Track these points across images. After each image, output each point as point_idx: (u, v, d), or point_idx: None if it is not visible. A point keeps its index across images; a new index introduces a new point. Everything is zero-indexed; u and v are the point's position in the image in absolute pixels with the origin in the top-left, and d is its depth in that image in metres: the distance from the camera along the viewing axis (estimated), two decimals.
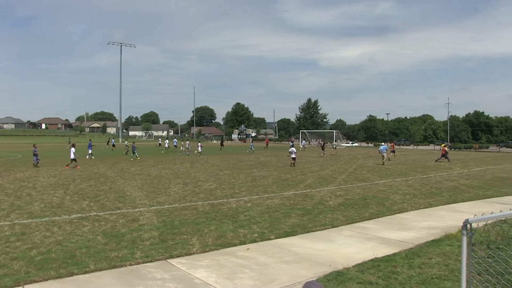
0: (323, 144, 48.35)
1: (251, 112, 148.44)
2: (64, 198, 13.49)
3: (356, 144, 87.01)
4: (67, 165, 25.13)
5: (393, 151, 41.05)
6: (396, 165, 28.68)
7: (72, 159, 24.99)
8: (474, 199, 14.10)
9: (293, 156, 27.69)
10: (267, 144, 61.24)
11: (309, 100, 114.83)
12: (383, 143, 36.54)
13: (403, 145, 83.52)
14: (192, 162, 30.51)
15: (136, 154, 33.90)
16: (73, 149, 25.23)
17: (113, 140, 54.06)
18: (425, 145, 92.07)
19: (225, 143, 43.43)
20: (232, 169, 24.53)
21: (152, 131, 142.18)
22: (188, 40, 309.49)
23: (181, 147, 44.92)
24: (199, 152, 39.10)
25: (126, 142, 44.18)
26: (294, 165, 26.79)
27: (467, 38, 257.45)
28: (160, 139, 62.35)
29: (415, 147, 74.68)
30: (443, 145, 37.70)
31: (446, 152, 33.58)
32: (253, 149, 47.38)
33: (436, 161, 33.23)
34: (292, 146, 30.28)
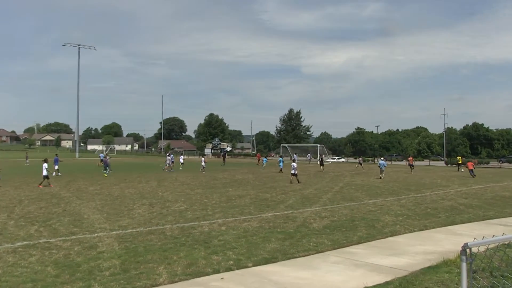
0: (321, 158, 48.97)
1: (226, 124, 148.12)
2: (7, 223, 13.10)
3: (343, 159, 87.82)
4: (40, 184, 24.83)
5: (412, 165, 44.06)
6: (387, 183, 29.00)
7: (44, 176, 24.90)
8: (474, 221, 14.31)
9: (293, 171, 28.28)
10: (259, 160, 60.55)
11: (291, 110, 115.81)
12: (382, 158, 38.94)
13: (394, 160, 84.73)
14: (160, 180, 30.21)
15: (108, 170, 33.97)
16: (45, 165, 25.14)
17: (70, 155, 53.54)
18: (419, 160, 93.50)
19: (204, 158, 43.05)
20: (205, 188, 24.37)
21: (114, 145, 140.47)
22: (156, 42, 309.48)
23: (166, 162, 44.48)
24: (203, 167, 40.21)
25: (104, 155, 43.95)
26: (298, 181, 27.89)
27: (464, 43, 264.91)
28: (101, 154, 60.00)
29: (407, 162, 75.70)
30: (467, 161, 44.00)
31: (474, 168, 37.32)
32: (264, 164, 49.87)
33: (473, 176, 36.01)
34: (294, 161, 30.82)
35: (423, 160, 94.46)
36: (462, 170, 46.96)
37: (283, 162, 42.33)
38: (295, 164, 29.16)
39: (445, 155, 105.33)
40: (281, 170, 40.12)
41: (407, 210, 16.27)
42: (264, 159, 54.15)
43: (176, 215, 14.82)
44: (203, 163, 40.89)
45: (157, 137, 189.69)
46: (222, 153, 63.70)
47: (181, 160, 41.37)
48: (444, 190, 24.39)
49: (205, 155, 77.80)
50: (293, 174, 28.40)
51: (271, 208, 16.50)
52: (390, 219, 14.24)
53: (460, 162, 49.76)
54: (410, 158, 48.81)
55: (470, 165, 38.65)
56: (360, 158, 57.47)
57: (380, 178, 32.99)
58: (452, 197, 20.87)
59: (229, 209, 16.18)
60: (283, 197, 20.35)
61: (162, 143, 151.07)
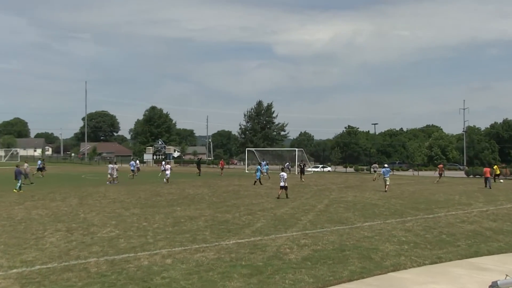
0: (303, 166, 49.31)
1: (173, 121, 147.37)
2: None
3: (329, 168, 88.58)
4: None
5: (441, 174, 48.22)
6: (388, 200, 29.34)
7: None
8: (505, 251, 14.57)
9: (282, 184, 29.12)
10: (222, 168, 64.32)
11: (260, 103, 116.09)
12: (386, 165, 40.28)
13: (397, 169, 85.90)
14: (82, 196, 29.75)
15: (20, 183, 33.42)
16: None
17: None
18: (430, 169, 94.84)
19: (142, 166, 44.13)
20: (144, 207, 24.20)
21: (17, 149, 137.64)
22: (77, 8, 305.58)
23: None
24: (167, 177, 43.05)
25: (26, 165, 44.08)
26: (286, 196, 29.17)
27: (491, 13, 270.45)
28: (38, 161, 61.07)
29: (415, 172, 76.99)
30: (495, 166, 46.90)
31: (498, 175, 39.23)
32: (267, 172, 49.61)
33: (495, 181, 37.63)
34: (283, 169, 31.13)
35: (435, 170, 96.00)
36: (501, 181, 48.18)
37: (262, 170, 42.87)
38: (284, 174, 29.88)
39: (465, 163, 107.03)
40: (258, 181, 41.17)
41: (414, 236, 16.46)
42: (265, 166, 54.86)
43: (104, 244, 14.64)
44: (167, 172, 43.54)
45: (79, 138, 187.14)
46: (197, 163, 66.85)
47: (110, 170, 42.19)
48: (465, 210, 24.81)
49: (168, 160, 77.94)
50: (282, 187, 29.17)
51: (233, 234, 16.46)
52: (392, 248, 14.37)
53: (498, 172, 50.76)
54: (440, 165, 52.33)
55: (487, 172, 40.76)
56: (375, 166, 58.04)
57: (385, 191, 34.75)
58: (475, 219, 21.23)
59: (176, 235, 16.08)
60: (250, 218, 20.34)
61: (86, 147, 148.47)
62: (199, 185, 40.79)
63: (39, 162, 57.24)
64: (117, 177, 43.14)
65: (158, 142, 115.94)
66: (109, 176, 42.81)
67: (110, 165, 44.21)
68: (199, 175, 56.49)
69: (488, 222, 20.25)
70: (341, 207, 25.19)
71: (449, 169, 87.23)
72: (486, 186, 40.40)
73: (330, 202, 27.45)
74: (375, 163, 66.15)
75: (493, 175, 46.79)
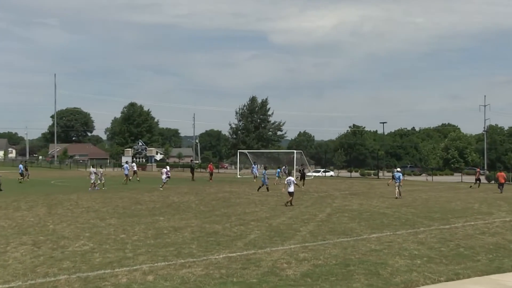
0: (303, 170, 49.51)
1: (155, 120, 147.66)
2: None
3: (331, 173, 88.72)
4: None
5: (479, 180, 49.96)
6: (398, 208, 29.38)
7: None
8: None
9: (291, 189, 29.81)
10: (211, 173, 63.84)
11: (253, 99, 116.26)
12: (397, 169, 40.74)
13: (409, 174, 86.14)
14: (51, 205, 29.70)
15: None
16: None
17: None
18: (446, 174, 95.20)
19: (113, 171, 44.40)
20: (122, 217, 24.19)
21: None
22: None
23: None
24: (163, 182, 43.88)
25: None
26: (290, 203, 29.86)
27: None
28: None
29: (428, 177, 77.19)
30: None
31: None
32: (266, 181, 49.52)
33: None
34: (290, 173, 31.57)
35: (452, 175, 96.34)
36: None
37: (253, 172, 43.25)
38: (292, 179, 30.55)
39: (486, 167, 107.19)
40: (265, 188, 41.86)
41: (428, 250, 16.48)
42: (255, 170, 57.48)
43: (77, 259, 14.59)
44: (164, 176, 44.34)
45: (47, 138, 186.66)
46: (190, 167, 66.92)
47: (93, 177, 42.38)
48: (485, 220, 24.81)
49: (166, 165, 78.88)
50: (291, 194, 29.85)
51: (224, 247, 16.45)
52: (402, 263, 14.39)
53: None
54: (478, 169, 53.91)
55: (501, 177, 44.26)
56: (479, 170, 57.75)
57: (396, 198, 35.61)
58: (497, 230, 21.22)
59: (159, 249, 16.07)
60: (242, 229, 20.34)
61: (56, 148, 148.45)
62: (185, 192, 40.76)
63: (21, 166, 58.12)
64: (103, 182, 43.99)
65: (138, 143, 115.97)
66: (91, 182, 43.14)
67: (92, 169, 44.52)
68: (193, 179, 57.24)
69: None
70: (345, 216, 25.21)
71: (467, 174, 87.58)
72: (501, 192, 42.88)
73: (333, 211, 27.47)
74: (395, 167, 66.78)
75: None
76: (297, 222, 22.70)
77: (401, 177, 37.62)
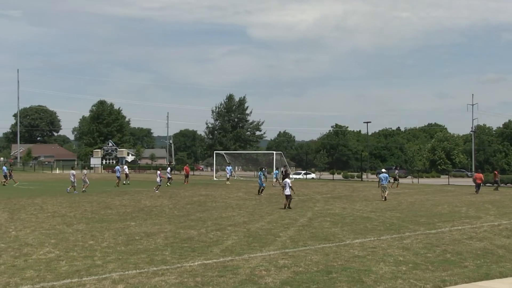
0: (285, 171, 50.11)
1: (127, 119, 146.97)
2: None
3: (313, 175, 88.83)
4: None
5: (497, 182, 52.56)
6: (383, 212, 29.51)
7: None
8: None
9: (287, 192, 30.45)
10: (187, 176, 63.88)
11: (231, 98, 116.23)
12: (383, 170, 41.76)
13: (396, 176, 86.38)
14: (13, 210, 29.50)
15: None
16: None
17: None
18: (433, 176, 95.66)
19: (79, 173, 44.33)
20: (90, 222, 24.09)
21: None
22: None
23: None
24: (158, 184, 45.70)
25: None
26: (289, 206, 30.54)
27: None
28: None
29: (414, 179, 77.59)
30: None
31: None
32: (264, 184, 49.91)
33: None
34: (287, 175, 31.95)
35: (439, 177, 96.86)
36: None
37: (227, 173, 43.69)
38: (289, 181, 31.08)
39: (473, 169, 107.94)
40: (261, 190, 42.41)
41: (414, 256, 16.57)
42: (276, 171, 58.57)
43: (41, 267, 14.50)
44: (158, 179, 46.03)
45: (9, 139, 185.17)
46: (169, 166, 66.88)
47: (72, 178, 42.46)
48: (473, 224, 24.98)
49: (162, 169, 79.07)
50: (287, 197, 30.49)
51: (199, 253, 16.44)
52: (387, 270, 14.45)
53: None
54: (496, 171, 55.65)
55: (478, 178, 46.93)
56: (497, 173, 57.41)
57: (385, 199, 37.17)
58: (485, 235, 21.36)
59: (130, 256, 16.03)
60: (218, 235, 20.34)
61: (19, 149, 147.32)
62: (158, 195, 40.67)
63: (4, 168, 58.48)
64: (87, 185, 44.44)
65: (108, 144, 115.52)
66: (71, 184, 43.28)
67: (72, 171, 44.46)
68: (170, 183, 57.54)
69: (500, 239, 20.41)
70: (327, 221, 25.27)
71: (454, 176, 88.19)
72: (476, 193, 45.74)
73: (314, 215, 27.53)
74: (396, 168, 67.98)
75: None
76: (277, 227, 22.74)
77: (388, 178, 38.46)
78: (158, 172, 47.62)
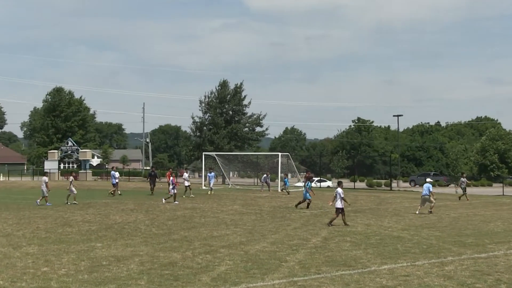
0: (309, 176, 51.17)
1: (90, 111, 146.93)
2: None
3: (329, 183, 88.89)
4: None
5: None
6: (418, 231, 29.54)
7: None
8: None
9: (339, 204, 31.43)
10: (172, 184, 62.99)
11: (224, 84, 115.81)
12: (428, 179, 42.77)
13: (433, 184, 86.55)
14: None
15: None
16: None
17: None
18: (483, 184, 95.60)
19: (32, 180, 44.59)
20: (45, 244, 24.12)
21: None
22: None
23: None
24: (173, 192, 46.41)
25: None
26: (344, 223, 31.30)
27: None
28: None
29: (458, 189, 77.54)
30: None
31: None
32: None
33: None
34: (339, 184, 32.54)
35: (490, 185, 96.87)
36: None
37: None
38: (340, 191, 31.92)
39: None
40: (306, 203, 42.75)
41: (458, 286, 16.56)
42: (286, 179, 62.22)
43: None
44: (171, 187, 46.65)
45: None
46: (149, 174, 66.22)
47: (44, 189, 43.01)
48: None
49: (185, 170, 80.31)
50: (339, 210, 31.42)
51: (184, 283, 16.46)
52: None
53: None
54: None
55: None
56: (464, 180, 59.01)
57: (429, 212, 38.59)
58: None
59: (95, 286, 16.04)
60: (209, 259, 20.36)
61: None
62: (131, 208, 40.69)
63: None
64: (74, 194, 45.18)
65: (67, 143, 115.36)
66: (42, 194, 43.90)
67: (44, 178, 45.16)
68: (152, 193, 58.56)
69: None
70: (347, 241, 25.35)
71: (511, 185, 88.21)
72: None
73: (330, 234, 27.61)
74: (463, 174, 67.40)
75: None
76: (283, 249, 22.77)
77: (429, 188, 39.12)
78: (171, 178, 47.81)
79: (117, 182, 58.21)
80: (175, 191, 46.16)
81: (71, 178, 46.02)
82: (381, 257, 21.32)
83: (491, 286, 16.63)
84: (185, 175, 56.62)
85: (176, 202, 44.67)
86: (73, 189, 45.22)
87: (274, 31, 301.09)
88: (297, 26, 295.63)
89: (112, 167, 67.63)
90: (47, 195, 43.31)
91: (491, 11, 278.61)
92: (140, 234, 27.09)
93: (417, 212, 37.57)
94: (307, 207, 41.87)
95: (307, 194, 42.45)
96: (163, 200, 45.22)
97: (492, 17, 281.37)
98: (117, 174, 60.26)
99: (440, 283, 16.76)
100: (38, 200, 43.22)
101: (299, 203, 42.52)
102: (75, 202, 44.15)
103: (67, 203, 43.61)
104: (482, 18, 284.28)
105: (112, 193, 54.90)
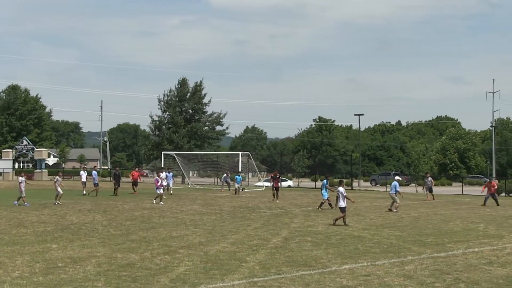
0: (277, 176, 51.28)
1: (47, 109, 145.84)
2: None
3: (289, 183, 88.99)
4: None
5: (494, 196, 48.99)
6: (379, 230, 29.73)
7: None
8: None
9: (342, 204, 31.87)
10: (135, 184, 63.89)
11: (183, 82, 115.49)
12: (396, 176, 44.15)
13: (401, 183, 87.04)
14: None
15: None
16: None
17: None
18: (443, 184, 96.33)
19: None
20: None
21: None
22: None
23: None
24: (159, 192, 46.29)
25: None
26: (344, 223, 31.54)
27: None
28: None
29: (419, 188, 78.09)
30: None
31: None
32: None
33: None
34: (341, 183, 33.19)
35: (450, 185, 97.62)
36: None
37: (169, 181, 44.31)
38: (342, 190, 32.15)
39: (494, 174, 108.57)
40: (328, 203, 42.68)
41: (418, 286, 16.68)
42: (238, 177, 61.84)
43: None
44: (160, 190, 46.37)
45: None
46: (114, 174, 65.56)
47: (21, 186, 43.01)
48: (493, 245, 25.20)
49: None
50: (342, 209, 31.64)
51: (142, 284, 16.44)
52: None
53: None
54: (493, 182, 52.54)
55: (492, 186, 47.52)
56: (430, 180, 59.41)
57: (392, 210, 39.98)
58: (508, 259, 21.55)
59: None
60: (167, 260, 20.34)
61: None
62: (88, 209, 40.45)
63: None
64: (61, 195, 44.85)
65: (22, 142, 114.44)
66: (20, 194, 43.82)
67: (21, 178, 45.02)
68: (116, 194, 57.84)
69: None
70: (308, 241, 25.40)
71: (470, 184, 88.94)
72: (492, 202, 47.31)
73: (291, 234, 27.65)
74: (428, 173, 67.59)
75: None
76: (243, 250, 22.79)
77: (397, 187, 40.30)
78: (157, 178, 47.93)
79: (83, 183, 58.28)
80: (161, 191, 46.03)
81: (57, 178, 45.80)
82: (342, 257, 21.41)
83: (450, 285, 16.76)
84: (162, 174, 56.35)
85: (161, 203, 44.74)
86: (59, 189, 44.81)
87: (236, 29, 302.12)
88: (260, 24, 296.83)
89: (94, 167, 67.11)
90: (24, 195, 43.15)
91: (456, 10, 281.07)
92: (97, 235, 26.93)
93: (393, 210, 39.13)
94: (320, 206, 42.54)
95: (326, 193, 42.90)
96: (154, 201, 45.07)
97: (456, 15, 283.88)
98: (83, 176, 60.27)
99: (400, 283, 16.87)
100: (16, 201, 43.00)
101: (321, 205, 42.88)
102: (58, 202, 43.88)
103: (55, 202, 43.41)
104: (446, 16, 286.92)
105: (95, 193, 54.50)
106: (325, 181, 44.75)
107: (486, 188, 48.66)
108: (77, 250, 22.36)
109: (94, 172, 59.42)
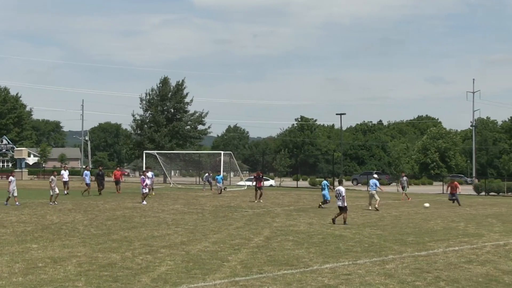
0: (260, 176, 51.15)
1: (27, 108, 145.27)
2: None
3: (271, 182, 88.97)
4: None
5: (453, 195, 48.95)
6: (361, 229, 29.79)
7: None
8: None
9: (340, 203, 31.55)
10: (118, 183, 64.24)
11: (165, 81, 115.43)
12: (375, 175, 44.14)
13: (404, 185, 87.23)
14: None
15: None
16: None
17: None
18: (424, 183, 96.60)
19: None
20: None
21: None
22: None
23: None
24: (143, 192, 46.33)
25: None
26: (344, 222, 31.40)
27: None
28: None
29: (399, 188, 78.28)
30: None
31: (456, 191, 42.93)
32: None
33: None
34: (340, 182, 33.25)
35: (430, 184, 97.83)
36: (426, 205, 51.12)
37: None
38: (342, 189, 32.03)
39: (474, 174, 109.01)
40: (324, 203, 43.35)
41: (399, 284, 16.72)
42: (219, 176, 62.73)
43: None
44: (145, 190, 46.49)
45: None
46: (97, 174, 65.57)
47: (11, 186, 42.78)
48: (473, 244, 25.35)
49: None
50: (342, 209, 31.54)
51: (123, 284, 16.39)
52: None
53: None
54: (455, 182, 51.84)
55: (455, 186, 47.94)
56: (405, 179, 59.90)
57: (375, 209, 40.50)
58: (488, 258, 21.65)
59: None
60: (149, 259, 20.28)
61: None
62: (69, 208, 40.34)
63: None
64: (56, 194, 44.95)
65: (2, 141, 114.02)
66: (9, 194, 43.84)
67: (11, 178, 45.08)
68: (100, 193, 57.82)
69: (507, 262, 20.72)
70: (290, 240, 25.42)
71: (452, 182, 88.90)
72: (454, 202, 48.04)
73: (273, 234, 27.66)
74: (403, 173, 67.81)
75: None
76: (224, 249, 22.77)
77: (377, 184, 40.95)
78: (143, 177, 47.82)
79: (64, 182, 57.59)
80: (146, 191, 46.03)
81: (52, 177, 45.74)
82: (323, 256, 21.43)
83: (430, 283, 16.82)
84: (148, 174, 56.10)
85: (144, 202, 44.39)
86: (56, 189, 44.84)
87: (219, 28, 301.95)
88: (243, 23, 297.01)
89: (86, 167, 66.97)
90: (16, 194, 43.16)
91: (437, 10, 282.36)
92: (78, 235, 26.83)
93: (370, 208, 39.87)
94: (319, 206, 42.96)
95: (327, 194, 43.18)
96: (144, 202, 44.79)
97: (437, 15, 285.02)
98: (65, 175, 59.34)
99: (381, 281, 16.90)
100: (6, 202, 42.94)
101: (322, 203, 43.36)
102: (55, 202, 43.81)
103: (51, 203, 43.43)
104: (427, 16, 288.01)
105: (87, 193, 54.41)
106: (325, 181, 44.92)
107: (450, 188, 49.33)
108: (57, 250, 22.26)
109: (86, 172, 58.70)
